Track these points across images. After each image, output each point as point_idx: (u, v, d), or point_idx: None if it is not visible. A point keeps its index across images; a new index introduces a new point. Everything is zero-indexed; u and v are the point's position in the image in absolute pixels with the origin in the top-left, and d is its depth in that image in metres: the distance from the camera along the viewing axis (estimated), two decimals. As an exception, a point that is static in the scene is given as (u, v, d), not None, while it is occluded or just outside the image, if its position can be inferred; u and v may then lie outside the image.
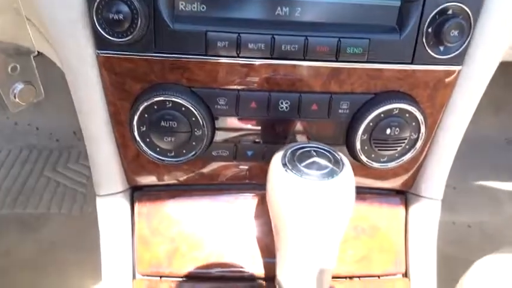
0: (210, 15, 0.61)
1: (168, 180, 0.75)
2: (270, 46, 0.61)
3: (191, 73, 0.63)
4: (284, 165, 0.55)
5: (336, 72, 0.65)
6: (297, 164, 0.55)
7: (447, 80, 0.67)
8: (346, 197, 0.55)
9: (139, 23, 0.58)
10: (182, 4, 0.60)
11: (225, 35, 0.60)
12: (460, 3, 0.61)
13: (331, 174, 0.54)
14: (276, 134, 0.70)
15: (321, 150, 0.57)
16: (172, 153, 0.67)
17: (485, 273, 0.92)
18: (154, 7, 0.58)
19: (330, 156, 0.57)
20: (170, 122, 0.63)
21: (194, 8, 0.61)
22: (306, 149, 0.57)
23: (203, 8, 0.61)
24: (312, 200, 0.53)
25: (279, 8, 0.62)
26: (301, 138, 0.70)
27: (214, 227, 0.78)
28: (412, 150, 0.70)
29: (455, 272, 0.96)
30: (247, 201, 0.79)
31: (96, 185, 0.75)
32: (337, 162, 0.56)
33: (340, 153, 0.59)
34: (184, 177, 0.75)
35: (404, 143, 0.69)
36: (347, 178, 0.55)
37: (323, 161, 0.55)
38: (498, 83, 1.00)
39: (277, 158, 0.57)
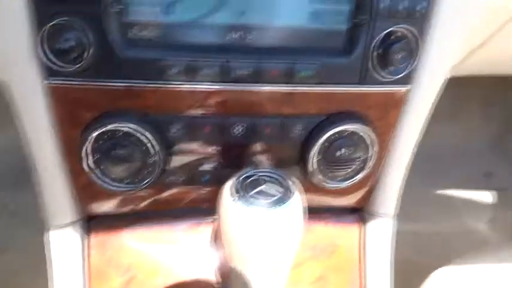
0: (162, 41, 0.61)
1: (122, 208, 0.73)
2: (223, 71, 0.61)
3: (143, 100, 0.62)
4: (233, 193, 0.55)
5: (288, 95, 0.65)
6: (246, 192, 0.54)
7: (396, 99, 0.69)
8: (294, 225, 0.55)
9: (89, 50, 0.56)
10: (133, 31, 0.60)
11: (177, 61, 0.60)
12: (407, 26, 0.62)
13: (279, 202, 0.54)
14: (231, 158, 0.69)
15: (271, 177, 0.57)
16: (126, 182, 0.66)
17: (444, 282, 0.94)
18: (104, 34, 0.57)
19: (280, 183, 0.57)
20: (122, 151, 0.62)
21: (145, 34, 0.60)
22: (255, 176, 0.57)
23: (154, 34, 0.60)
24: (259, 229, 0.53)
25: (231, 33, 0.62)
26: (256, 162, 0.70)
27: (171, 254, 0.76)
28: (364, 169, 0.72)
29: (415, 282, 0.97)
30: (205, 227, 0.78)
31: (45, 216, 0.72)
32: (286, 190, 0.56)
33: (292, 179, 0.59)
34: (140, 205, 0.73)
35: (357, 162, 0.70)
36: (295, 206, 0.54)
37: (272, 189, 0.55)
38: (451, 95, 1.04)
39: (227, 187, 0.56)
